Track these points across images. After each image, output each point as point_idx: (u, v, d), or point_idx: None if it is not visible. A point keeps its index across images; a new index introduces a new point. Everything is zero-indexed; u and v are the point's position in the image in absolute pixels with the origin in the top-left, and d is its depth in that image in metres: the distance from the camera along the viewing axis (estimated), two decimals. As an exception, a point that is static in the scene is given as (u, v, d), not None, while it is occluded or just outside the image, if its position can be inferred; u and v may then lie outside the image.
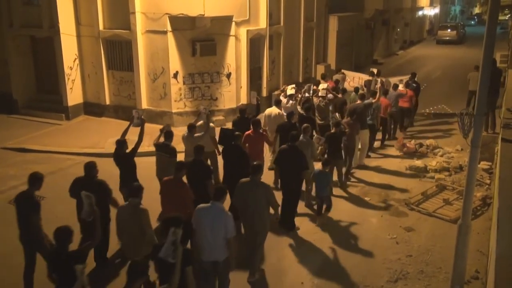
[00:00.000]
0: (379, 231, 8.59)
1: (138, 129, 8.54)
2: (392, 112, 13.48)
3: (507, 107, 9.70)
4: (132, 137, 8.38)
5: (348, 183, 10.59)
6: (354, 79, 16.44)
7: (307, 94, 12.89)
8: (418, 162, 11.73)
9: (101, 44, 15.08)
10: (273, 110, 11.44)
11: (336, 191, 9.93)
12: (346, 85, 15.39)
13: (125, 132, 8.46)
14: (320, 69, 20.95)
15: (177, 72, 14.47)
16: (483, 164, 11.12)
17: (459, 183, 10.37)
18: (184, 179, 7.29)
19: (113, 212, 6.98)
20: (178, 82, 14.56)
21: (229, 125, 11.62)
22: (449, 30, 41.78)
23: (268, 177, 7.83)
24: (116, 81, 15.53)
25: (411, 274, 7.23)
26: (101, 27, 14.90)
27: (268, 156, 11.01)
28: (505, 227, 5.10)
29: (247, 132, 9.43)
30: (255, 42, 16.37)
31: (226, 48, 14.94)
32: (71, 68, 15.41)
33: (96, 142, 13.16)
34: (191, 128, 9.19)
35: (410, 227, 8.68)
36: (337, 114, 12.54)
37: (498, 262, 4.56)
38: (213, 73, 14.98)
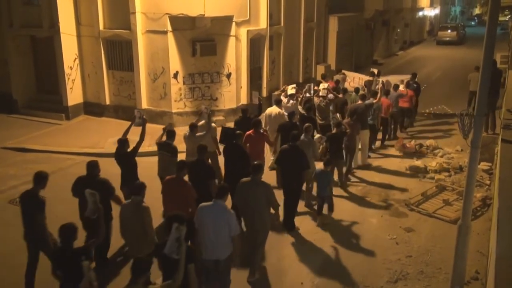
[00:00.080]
0: (379, 231, 8.59)
1: (139, 129, 8.57)
2: (393, 112, 13.50)
3: (507, 108, 9.70)
4: (132, 137, 8.38)
5: (348, 183, 10.60)
6: (354, 80, 16.45)
7: (308, 94, 12.89)
8: (418, 163, 11.74)
9: (101, 44, 15.09)
10: (273, 109, 11.45)
11: (337, 191, 9.92)
12: (346, 85, 15.40)
13: (127, 132, 8.49)
14: (320, 69, 20.94)
15: (177, 72, 14.47)
16: (483, 165, 11.12)
17: (459, 183, 10.37)
18: (186, 178, 7.30)
19: (115, 211, 7.01)
20: (178, 82, 14.56)
21: (230, 125, 11.63)
22: (449, 30, 41.78)
23: (269, 177, 7.82)
24: (116, 81, 15.53)
25: (411, 275, 7.22)
26: (101, 27, 14.91)
27: (269, 156, 11.02)
28: (505, 228, 5.10)
29: (248, 132, 9.43)
30: (255, 42, 16.37)
31: (226, 48, 14.95)
32: (71, 68, 15.42)
33: (96, 142, 13.16)
34: (193, 127, 9.20)
35: (410, 227, 8.69)
36: (338, 114, 12.54)
37: (498, 262, 4.56)
38: (213, 73, 14.98)
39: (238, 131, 8.95)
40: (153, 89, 14.84)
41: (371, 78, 15.47)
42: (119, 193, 7.63)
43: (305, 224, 8.79)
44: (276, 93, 16.37)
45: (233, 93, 15.37)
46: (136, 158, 8.30)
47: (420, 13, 44.39)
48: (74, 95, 15.64)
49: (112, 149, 12.20)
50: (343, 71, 17.30)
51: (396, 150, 12.87)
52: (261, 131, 9.82)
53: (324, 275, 7.24)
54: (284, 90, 13.39)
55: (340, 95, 13.00)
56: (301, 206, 9.11)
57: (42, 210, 6.40)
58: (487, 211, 9.18)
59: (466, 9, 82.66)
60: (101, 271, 7.07)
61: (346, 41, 25.03)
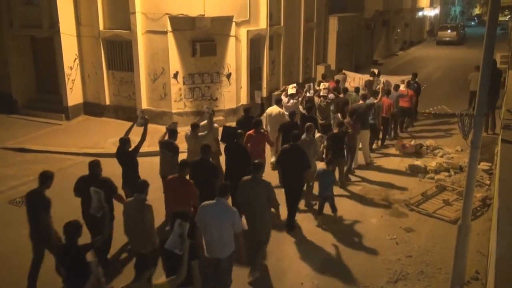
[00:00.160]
0: (379, 231, 8.59)
1: (140, 129, 8.60)
2: (394, 112, 13.54)
3: (507, 108, 9.70)
4: (133, 138, 8.40)
5: (348, 182, 10.60)
6: (354, 79, 16.49)
7: (308, 94, 12.90)
8: (418, 163, 11.73)
9: (101, 44, 15.08)
10: (274, 109, 11.48)
11: (337, 190, 9.91)
12: (347, 85, 15.43)
13: (129, 131, 8.52)
14: (320, 69, 20.94)
15: (177, 72, 14.47)
16: (483, 165, 11.12)
17: (459, 183, 10.37)
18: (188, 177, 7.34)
19: (117, 210, 7.04)
20: (178, 82, 14.56)
21: (230, 125, 11.63)
22: (449, 30, 41.76)
23: (271, 177, 7.83)
24: (116, 81, 15.53)
25: (411, 275, 7.23)
26: (101, 27, 14.90)
27: (269, 156, 11.03)
28: (505, 228, 5.10)
29: (248, 132, 9.46)
30: (255, 43, 16.37)
31: (226, 49, 14.95)
32: (71, 68, 15.41)
33: (96, 142, 13.16)
34: (195, 127, 9.22)
35: (410, 227, 8.69)
36: (338, 114, 12.56)
37: (498, 263, 4.56)
38: (213, 73, 14.98)
39: (239, 130, 8.99)
40: (153, 89, 14.83)
41: (371, 78, 15.50)
42: (120, 192, 7.65)
43: (305, 224, 8.79)
44: (276, 93, 16.38)
45: (233, 93, 15.37)
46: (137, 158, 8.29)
47: (420, 13, 44.39)
48: (74, 95, 15.64)
49: (112, 149, 12.28)
50: (343, 71, 17.32)
51: (396, 150, 12.88)
52: (262, 131, 9.83)
53: (324, 275, 7.25)
54: (285, 90, 13.41)
55: (341, 95, 13.02)
56: (301, 206, 9.10)
57: (48, 210, 6.44)
58: (487, 211, 9.18)
59: (466, 9, 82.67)
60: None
61: (346, 41, 25.03)
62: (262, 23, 16.27)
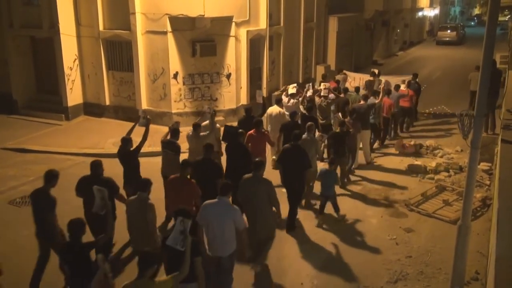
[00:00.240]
0: (379, 231, 8.59)
1: (142, 129, 8.63)
2: (394, 112, 13.57)
3: (507, 108, 9.70)
4: (134, 138, 8.43)
5: (348, 182, 10.60)
6: (355, 80, 16.52)
7: (309, 94, 12.92)
8: (418, 163, 11.74)
9: (101, 45, 15.08)
10: (274, 109, 11.52)
11: (337, 190, 9.87)
12: (347, 85, 15.47)
13: (131, 131, 8.55)
14: (320, 69, 20.95)
15: (177, 73, 14.47)
16: (483, 165, 11.12)
17: (458, 184, 10.37)
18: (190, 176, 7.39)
19: (118, 210, 7.06)
20: (178, 82, 14.56)
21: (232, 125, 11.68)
22: (449, 31, 41.76)
23: (271, 177, 7.85)
24: (116, 82, 15.53)
25: (411, 275, 7.23)
26: (101, 27, 14.90)
27: (270, 156, 11.04)
28: (505, 228, 5.09)
29: (249, 132, 9.52)
30: (255, 43, 16.37)
31: (226, 49, 14.95)
32: (71, 69, 15.41)
33: (96, 143, 13.16)
34: (197, 127, 9.25)
35: (410, 228, 8.69)
36: (339, 113, 12.58)
37: (497, 263, 4.56)
38: (213, 73, 14.98)
39: (240, 130, 9.07)
40: (153, 90, 14.84)
41: (372, 78, 15.52)
42: (122, 192, 7.66)
43: (305, 224, 8.80)
44: (276, 93, 16.39)
45: (233, 94, 15.37)
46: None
47: (420, 14, 44.39)
48: (74, 95, 15.64)
49: (112, 149, 12.35)
50: (344, 71, 17.34)
51: (396, 150, 12.89)
52: (263, 130, 9.88)
53: (324, 275, 7.25)
54: (285, 90, 13.41)
55: (342, 95, 13.06)
56: (301, 206, 9.10)
57: (53, 208, 6.49)
58: (487, 212, 9.18)
59: (466, 9, 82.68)
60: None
61: (346, 42, 25.03)
62: (262, 23, 16.27)
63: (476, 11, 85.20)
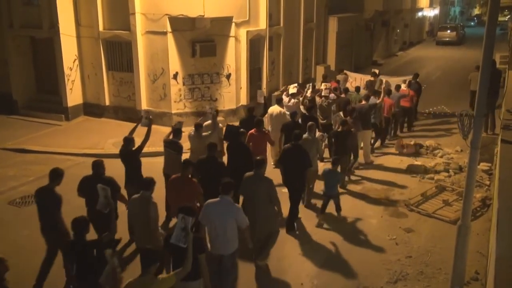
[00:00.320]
0: (378, 231, 8.59)
1: (144, 129, 8.66)
2: (395, 112, 13.60)
3: (507, 108, 9.70)
4: (135, 138, 8.44)
5: (347, 182, 10.61)
6: (356, 80, 16.54)
7: (309, 93, 12.97)
8: (417, 163, 11.74)
9: (101, 45, 15.08)
10: (275, 109, 11.57)
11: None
12: (348, 85, 15.50)
13: (133, 131, 8.57)
14: (320, 70, 20.95)
15: (177, 73, 14.48)
16: (483, 165, 11.13)
17: (458, 184, 10.37)
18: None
19: (119, 209, 7.08)
20: (178, 83, 14.56)
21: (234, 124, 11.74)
22: (448, 31, 41.76)
23: (272, 176, 7.87)
24: (116, 82, 15.53)
25: (411, 275, 7.23)
26: (101, 28, 14.90)
27: (270, 155, 11.07)
28: (505, 228, 5.10)
29: (250, 131, 9.60)
30: (255, 43, 16.37)
31: (226, 49, 14.95)
32: (71, 69, 15.41)
33: (96, 143, 13.16)
34: (199, 127, 9.28)
35: (410, 228, 8.69)
36: (340, 113, 12.60)
37: (497, 263, 4.56)
38: (212, 74, 14.98)
39: (242, 129, 9.15)
40: (153, 90, 14.84)
41: (372, 78, 15.53)
42: (123, 191, 7.68)
43: (305, 224, 8.80)
44: (275, 93, 16.40)
45: (233, 94, 15.38)
46: (137, 159, 8.32)
47: (420, 14, 44.40)
48: (74, 96, 15.64)
49: (112, 150, 12.37)
50: (345, 71, 17.36)
51: (395, 149, 12.90)
52: (263, 130, 9.96)
53: (324, 276, 7.25)
54: (285, 90, 13.44)
55: (342, 95, 13.11)
56: (301, 206, 9.10)
57: (60, 206, 6.53)
58: (487, 212, 9.18)
59: (466, 9, 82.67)
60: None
61: (345, 42, 25.03)
62: (262, 23, 16.28)
63: (476, 11, 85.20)
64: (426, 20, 48.77)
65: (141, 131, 8.64)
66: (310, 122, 9.56)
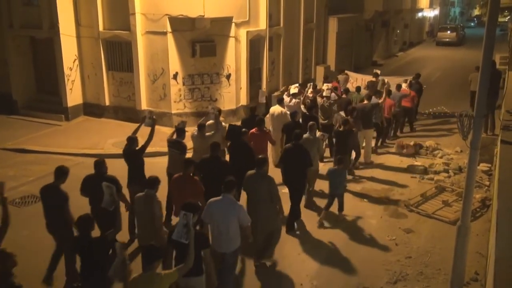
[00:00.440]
0: (378, 232, 8.60)
1: (147, 129, 8.68)
2: (396, 112, 13.62)
3: (507, 109, 9.71)
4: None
5: (347, 183, 10.62)
6: (357, 80, 16.56)
7: (309, 92, 13.01)
8: (417, 163, 11.75)
9: (101, 45, 15.08)
10: (276, 109, 11.62)
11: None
12: (349, 85, 15.52)
13: (136, 131, 8.61)
14: (320, 70, 20.98)
15: (176, 73, 14.48)
16: (483, 166, 11.14)
17: (458, 184, 10.38)
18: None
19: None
20: (177, 83, 14.56)
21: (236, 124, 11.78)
22: (448, 31, 41.78)
23: (273, 175, 7.90)
24: (116, 82, 15.53)
25: (411, 276, 7.23)
26: (101, 28, 14.90)
27: (271, 155, 11.08)
28: (504, 229, 5.10)
29: (251, 130, 9.65)
30: (255, 43, 16.38)
31: (226, 49, 14.96)
32: (70, 69, 15.42)
33: (96, 143, 13.16)
34: (201, 127, 9.31)
35: (410, 228, 8.69)
36: (342, 112, 12.63)
37: (497, 263, 4.57)
38: (212, 74, 14.99)
39: (244, 129, 9.22)
40: (153, 90, 14.84)
41: (374, 79, 15.55)
42: (125, 191, 7.70)
43: (304, 225, 8.79)
44: (275, 94, 16.41)
45: (233, 94, 15.38)
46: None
47: (420, 14, 44.42)
48: (74, 96, 15.64)
49: (112, 150, 12.37)
50: (346, 71, 17.37)
51: (395, 150, 12.91)
52: (264, 129, 10.02)
53: (324, 276, 7.25)
54: (286, 91, 13.46)
55: (343, 96, 13.15)
56: (301, 206, 9.10)
57: (67, 203, 6.58)
58: (487, 212, 9.18)
59: (466, 10, 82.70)
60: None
61: (345, 42, 25.04)
62: (262, 24, 16.28)
63: (476, 12, 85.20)
64: (426, 20, 48.80)
65: (144, 131, 8.65)
66: (310, 122, 9.60)
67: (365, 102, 11.97)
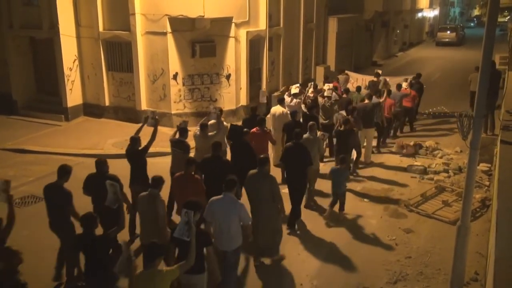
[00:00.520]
0: (378, 232, 8.60)
1: (150, 129, 8.68)
2: (397, 112, 13.61)
3: (507, 109, 9.71)
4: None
5: (348, 183, 10.62)
6: (357, 80, 16.56)
7: (310, 91, 13.01)
8: (417, 163, 11.75)
9: (100, 45, 15.08)
10: (277, 109, 11.66)
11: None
12: (349, 86, 15.51)
13: (139, 131, 8.62)
14: (320, 70, 20.98)
15: (176, 74, 14.48)
16: (482, 166, 11.14)
17: (458, 184, 10.38)
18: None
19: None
20: (177, 83, 14.56)
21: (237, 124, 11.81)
22: (448, 32, 41.80)
23: (273, 175, 7.94)
24: (115, 82, 15.53)
25: (410, 276, 7.23)
26: (101, 28, 14.90)
27: (271, 154, 11.11)
28: (504, 229, 5.10)
29: (252, 130, 9.70)
30: (254, 44, 16.38)
31: (226, 50, 14.96)
32: (70, 69, 15.42)
33: (96, 143, 13.16)
34: (204, 126, 9.34)
35: (409, 228, 8.69)
36: (343, 112, 12.64)
37: (497, 263, 4.57)
38: (212, 74, 14.99)
39: (245, 129, 9.27)
40: (153, 91, 14.84)
41: (375, 79, 15.55)
42: (127, 191, 7.72)
43: (305, 225, 8.79)
44: (275, 94, 16.41)
45: (233, 94, 15.38)
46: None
47: (420, 14, 44.43)
48: (74, 96, 15.64)
49: (111, 150, 12.37)
50: (346, 71, 17.37)
51: (395, 150, 12.91)
52: (265, 129, 10.07)
53: (323, 276, 7.25)
54: (287, 91, 13.47)
55: (344, 96, 13.17)
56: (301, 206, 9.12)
57: (71, 201, 6.62)
58: (486, 212, 9.19)
59: (465, 10, 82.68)
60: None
61: (345, 42, 25.05)
62: (262, 24, 16.29)
63: (476, 12, 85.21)
64: (426, 21, 48.80)
65: (146, 131, 8.64)
66: (310, 122, 9.63)
67: (366, 101, 11.98)
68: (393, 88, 14.07)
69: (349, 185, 10.53)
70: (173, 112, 14.66)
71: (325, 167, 10.88)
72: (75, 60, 15.55)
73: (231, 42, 14.92)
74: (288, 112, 11.42)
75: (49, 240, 7.05)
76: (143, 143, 8.32)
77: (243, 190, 7.65)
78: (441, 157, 12.35)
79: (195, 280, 5.57)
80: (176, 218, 8.02)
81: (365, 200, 9.94)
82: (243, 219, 6.23)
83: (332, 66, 22.69)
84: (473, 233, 7.78)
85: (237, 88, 15.51)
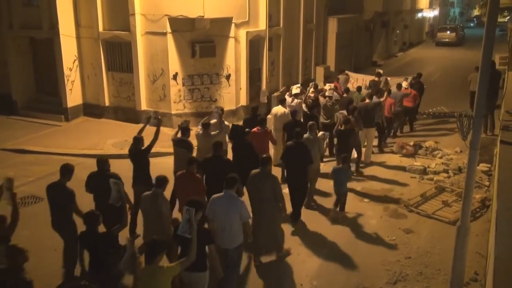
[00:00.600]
0: (378, 232, 8.60)
1: (152, 129, 8.68)
2: (397, 112, 13.61)
3: (506, 109, 9.71)
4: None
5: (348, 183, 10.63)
6: (358, 80, 16.56)
7: (311, 91, 13.03)
8: (417, 164, 11.76)
9: (100, 46, 15.09)
10: (279, 109, 11.69)
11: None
12: (349, 86, 15.52)
13: (141, 130, 8.64)
14: (320, 70, 20.98)
15: (176, 74, 14.48)
16: (482, 166, 11.14)
17: (458, 185, 10.38)
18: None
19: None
20: (177, 83, 14.57)
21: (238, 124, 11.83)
22: (448, 32, 41.80)
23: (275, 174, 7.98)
24: (115, 83, 15.53)
25: (410, 276, 7.23)
26: (100, 28, 14.91)
27: (272, 154, 11.12)
28: (504, 229, 5.11)
29: (253, 129, 9.73)
30: (254, 44, 16.38)
31: (226, 50, 14.96)
32: (70, 70, 15.42)
33: (96, 144, 13.16)
34: (206, 126, 9.37)
35: (409, 229, 8.69)
36: (344, 111, 12.65)
37: (496, 264, 4.57)
38: (212, 74, 14.99)
39: (247, 129, 9.32)
40: (153, 91, 14.84)
41: (376, 79, 15.55)
42: (130, 191, 7.74)
43: (304, 225, 8.79)
44: (275, 94, 16.41)
45: (233, 95, 15.38)
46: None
47: (419, 15, 44.43)
48: (74, 96, 15.64)
49: (111, 150, 12.37)
50: (346, 71, 17.37)
51: (395, 150, 12.91)
52: (266, 129, 10.09)
53: (323, 276, 7.25)
54: (285, 91, 13.49)
55: (344, 95, 13.20)
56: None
57: (74, 200, 6.65)
58: (486, 213, 9.19)
59: (465, 10, 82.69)
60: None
61: (345, 43, 25.05)
62: (262, 24, 16.28)
63: (476, 12, 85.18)
64: (425, 21, 48.81)
65: (148, 131, 8.64)
66: (310, 122, 9.64)
67: (367, 101, 11.99)
68: (393, 88, 14.07)
69: (349, 185, 10.53)
70: (173, 112, 14.66)
71: (325, 167, 10.89)
72: (75, 60, 15.56)
73: (231, 42, 14.93)
74: (289, 112, 11.46)
75: (49, 240, 7.06)
76: (145, 143, 8.33)
77: (244, 190, 7.67)
78: (441, 157, 12.36)
79: (197, 278, 5.60)
80: (178, 216, 8.06)
81: (365, 200, 9.95)
82: (242, 216, 6.25)
83: (332, 66, 22.69)
84: (473, 233, 7.79)
85: (237, 88, 15.51)
